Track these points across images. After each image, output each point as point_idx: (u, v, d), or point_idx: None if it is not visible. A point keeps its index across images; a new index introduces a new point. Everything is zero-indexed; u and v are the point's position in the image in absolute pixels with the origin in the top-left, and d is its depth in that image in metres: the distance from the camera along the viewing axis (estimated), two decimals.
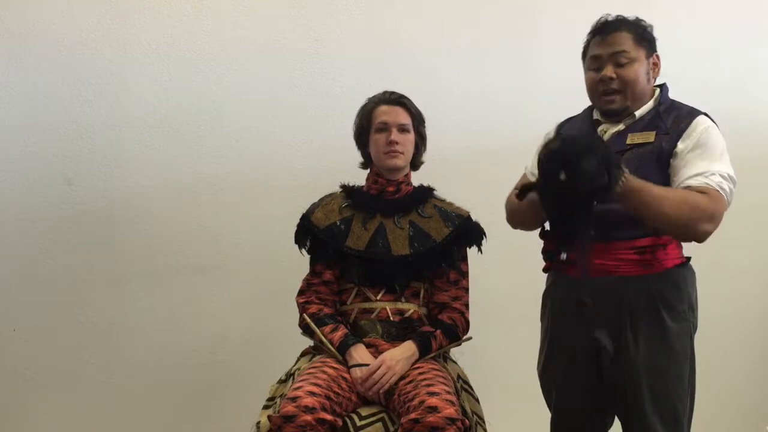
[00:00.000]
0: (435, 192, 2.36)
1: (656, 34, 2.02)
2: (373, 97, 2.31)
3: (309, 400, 1.89)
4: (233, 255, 2.90)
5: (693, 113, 1.96)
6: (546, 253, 2.08)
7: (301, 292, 2.30)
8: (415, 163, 2.34)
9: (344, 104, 2.70)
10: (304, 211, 2.33)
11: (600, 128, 2.03)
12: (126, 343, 2.83)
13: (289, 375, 2.18)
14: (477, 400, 2.21)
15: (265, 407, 2.12)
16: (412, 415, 1.88)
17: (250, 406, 2.24)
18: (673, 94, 2.05)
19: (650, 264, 1.92)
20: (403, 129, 2.24)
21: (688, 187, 1.85)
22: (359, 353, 2.13)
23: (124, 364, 2.83)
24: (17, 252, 2.76)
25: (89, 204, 2.81)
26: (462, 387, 2.17)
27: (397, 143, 2.22)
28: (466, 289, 2.31)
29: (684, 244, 2.00)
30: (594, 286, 1.85)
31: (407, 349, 2.13)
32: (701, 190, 1.84)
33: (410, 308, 2.24)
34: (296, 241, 2.30)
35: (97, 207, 2.81)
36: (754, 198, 3.04)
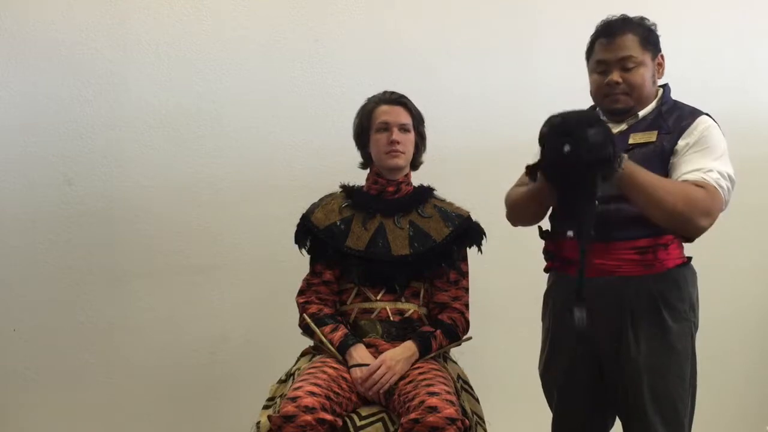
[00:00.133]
0: (435, 192, 2.36)
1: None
2: (373, 96, 2.31)
3: (309, 400, 1.89)
4: (233, 255, 2.90)
5: (695, 113, 1.96)
6: (547, 253, 2.09)
7: (301, 292, 2.30)
8: (415, 163, 2.34)
9: (344, 104, 2.69)
10: (304, 211, 2.33)
11: None
12: (126, 343, 2.83)
13: (289, 375, 2.18)
14: (477, 400, 2.21)
15: (265, 407, 2.12)
16: (412, 415, 1.88)
17: (250, 406, 2.24)
18: (673, 94, 2.05)
19: (651, 264, 1.92)
20: (403, 129, 2.24)
21: (686, 181, 1.85)
22: (359, 353, 2.13)
23: (124, 364, 2.83)
24: (17, 252, 2.76)
25: (89, 204, 2.80)
26: (462, 387, 2.17)
27: (398, 143, 2.22)
28: (466, 289, 2.31)
29: (684, 245, 1.99)
30: (594, 285, 1.85)
31: (407, 349, 2.13)
32: (699, 185, 1.83)
33: (410, 308, 2.23)
34: (296, 241, 2.30)
35: (97, 207, 2.81)
36: (754, 198, 3.04)
